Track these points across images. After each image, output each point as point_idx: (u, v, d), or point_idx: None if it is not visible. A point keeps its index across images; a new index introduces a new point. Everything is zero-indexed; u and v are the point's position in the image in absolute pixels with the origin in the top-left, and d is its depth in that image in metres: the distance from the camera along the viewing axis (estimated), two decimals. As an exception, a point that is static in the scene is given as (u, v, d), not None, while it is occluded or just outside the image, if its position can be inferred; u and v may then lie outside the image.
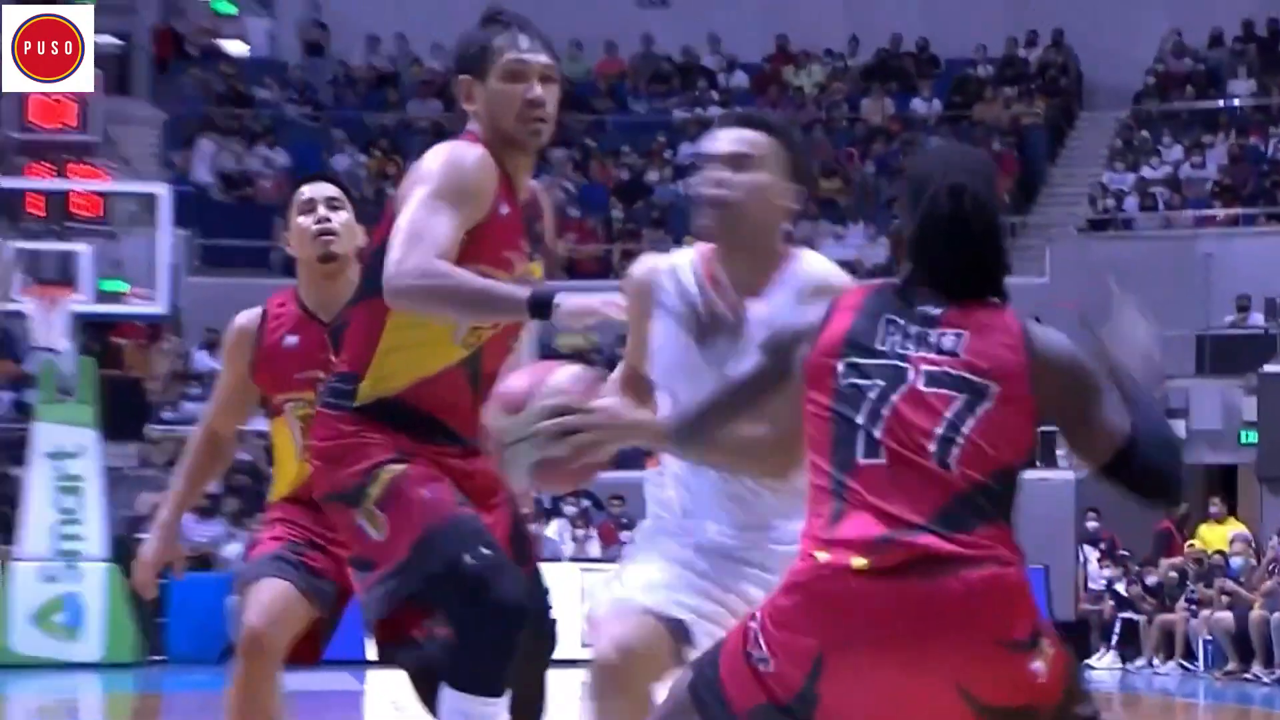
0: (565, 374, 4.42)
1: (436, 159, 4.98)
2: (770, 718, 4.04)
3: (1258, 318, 25.39)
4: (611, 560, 17.59)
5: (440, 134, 16.82)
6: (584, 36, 28.76)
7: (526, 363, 4.68)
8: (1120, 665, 21.20)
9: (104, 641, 19.61)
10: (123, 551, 18.24)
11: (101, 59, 26.19)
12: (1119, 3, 29.14)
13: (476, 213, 4.95)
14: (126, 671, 19.03)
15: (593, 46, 29.78)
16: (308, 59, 30.56)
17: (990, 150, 28.90)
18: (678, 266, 4.71)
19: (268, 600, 5.59)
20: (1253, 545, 21.24)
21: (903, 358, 4.07)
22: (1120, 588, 21.77)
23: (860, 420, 4.04)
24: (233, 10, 30.40)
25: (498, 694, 4.88)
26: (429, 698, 5.03)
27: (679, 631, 4.46)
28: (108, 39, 28.21)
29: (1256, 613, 19.51)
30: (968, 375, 4.05)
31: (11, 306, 21.10)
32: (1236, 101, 28.75)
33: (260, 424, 6.36)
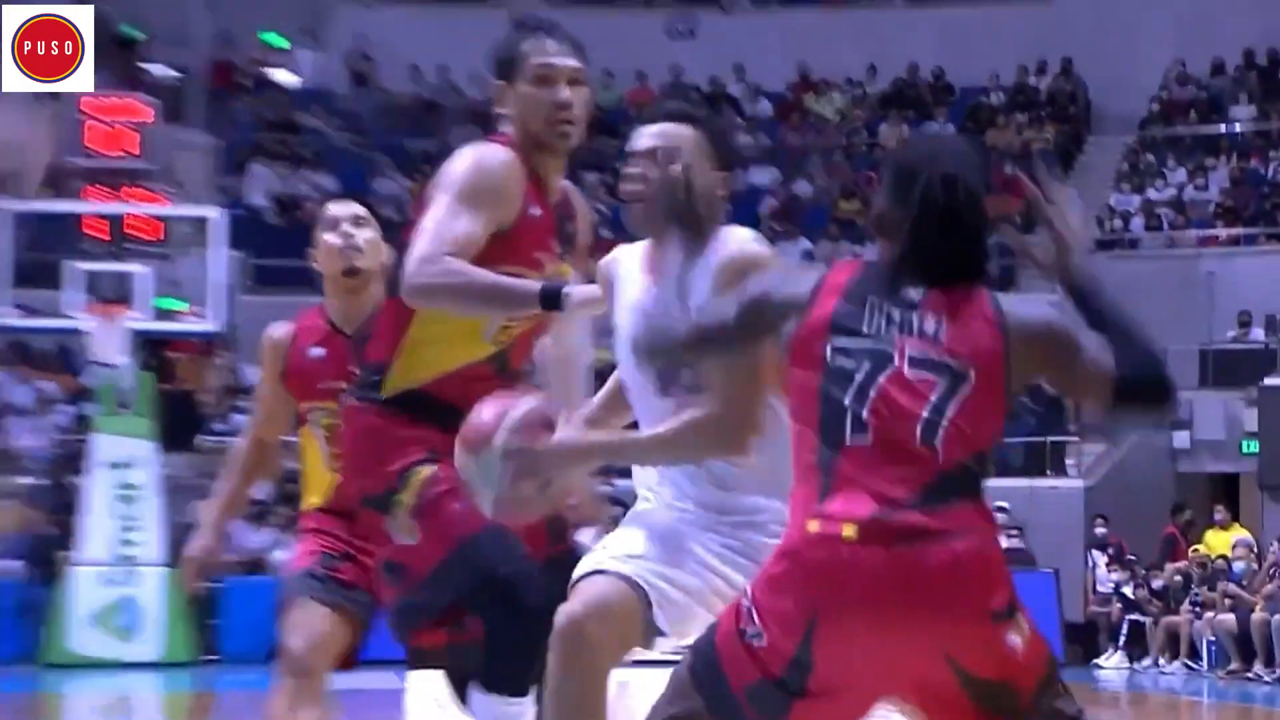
0: (520, 412, 4.42)
1: (462, 162, 4.92)
2: (766, 692, 4.00)
3: (1259, 333, 25.32)
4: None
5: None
6: (615, 66, 28.73)
7: (493, 397, 4.58)
8: (1128, 665, 21.12)
9: (161, 642, 19.61)
10: (179, 556, 18.25)
11: (158, 89, 26.33)
12: (1125, 33, 29.07)
13: (501, 214, 4.89)
14: (182, 671, 19.03)
15: (624, 76, 29.76)
16: (354, 89, 30.59)
17: (1002, 174, 28.86)
18: (632, 256, 4.64)
19: (309, 624, 5.58)
20: (1254, 550, 21.15)
21: (888, 341, 4.04)
22: (1127, 591, 21.69)
23: (848, 401, 4.01)
24: (284, 43, 30.44)
25: (524, 694, 4.85)
26: (464, 695, 5.00)
27: (648, 600, 4.35)
28: (165, 70, 28.32)
29: (1258, 615, 19.43)
30: (949, 361, 4.03)
31: (71, 324, 21.14)
32: (1238, 127, 28.67)
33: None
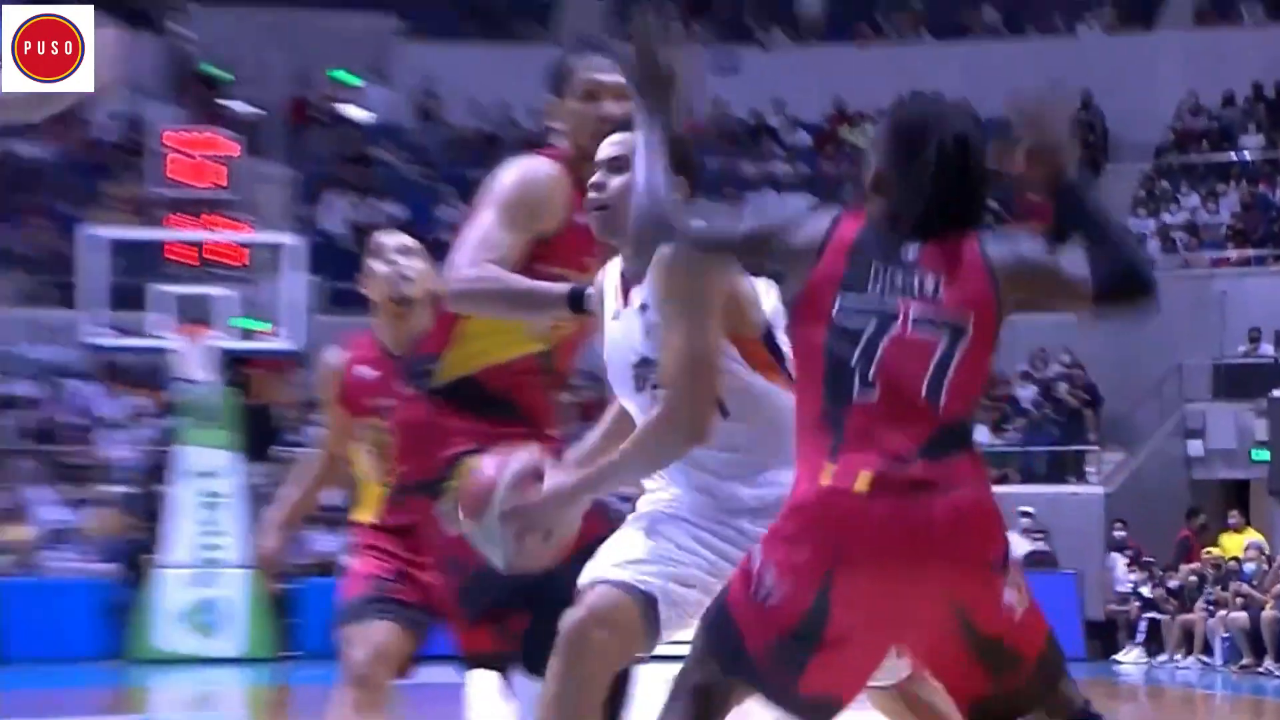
0: (511, 471, 4.30)
1: (507, 175, 4.92)
2: (782, 649, 3.91)
3: (1268, 348, 25.20)
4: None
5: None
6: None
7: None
8: (1146, 660, 21.03)
9: (242, 638, 19.70)
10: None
11: (240, 124, 26.45)
12: (1141, 66, 29.00)
13: (543, 224, 4.87)
14: (263, 666, 19.10)
15: (672, 110, 29.79)
16: (420, 123, 30.67)
17: (1025, 199, 28.81)
18: (614, 269, 4.56)
19: (369, 636, 5.55)
20: (1265, 552, 21.06)
21: (891, 302, 3.96)
22: (1145, 590, 21.61)
23: (854, 360, 3.93)
24: (355, 81, 30.55)
25: None
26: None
27: (651, 605, 4.23)
28: (246, 107, 28.46)
29: (1268, 613, 19.35)
30: (949, 318, 3.95)
31: (160, 343, 21.25)
32: (1247, 154, 28.54)
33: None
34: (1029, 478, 23.79)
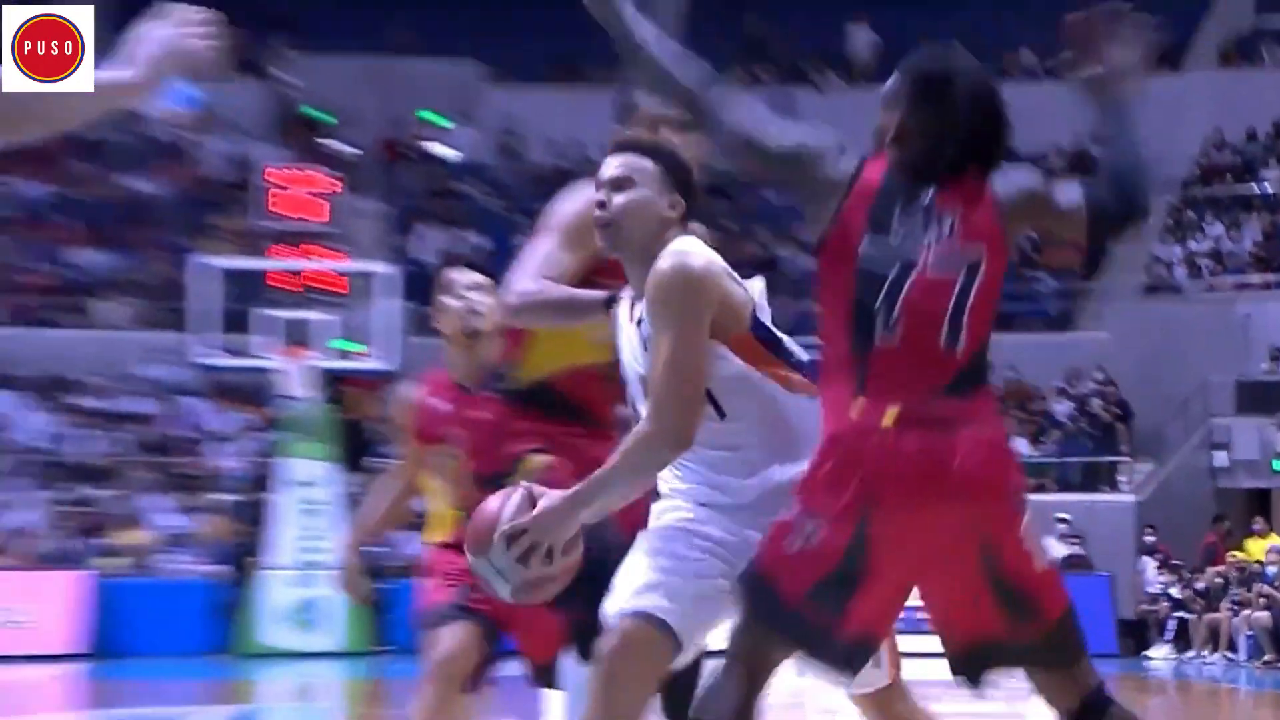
0: (512, 504, 4.14)
1: (566, 200, 4.86)
2: (825, 592, 3.80)
3: (1287, 367, 25.05)
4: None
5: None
6: (727, 139, 28.74)
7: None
8: (1174, 657, 20.84)
9: (339, 634, 19.72)
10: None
11: (338, 162, 26.55)
12: (1169, 105, 28.75)
13: (599, 243, 4.86)
14: (359, 660, 19.11)
15: (734, 147, 29.75)
16: (502, 160, 30.74)
17: (1053, 237, 28.63)
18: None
19: (451, 637, 5.52)
20: (1286, 557, 20.88)
21: (912, 244, 3.87)
22: (1174, 591, 21.42)
23: (878, 303, 3.84)
24: (444, 122, 30.65)
25: None
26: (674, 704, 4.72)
27: (666, 626, 4.10)
28: (344, 146, 28.57)
29: (1289, 613, 19.20)
30: (964, 254, 3.86)
31: (265, 364, 21.33)
32: (1268, 187, 28.32)
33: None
34: (1065, 487, 23.62)
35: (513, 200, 29.62)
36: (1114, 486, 24.06)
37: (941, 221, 3.88)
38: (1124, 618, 21.49)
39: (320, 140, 28.68)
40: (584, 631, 4.53)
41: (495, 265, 6.16)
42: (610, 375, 4.94)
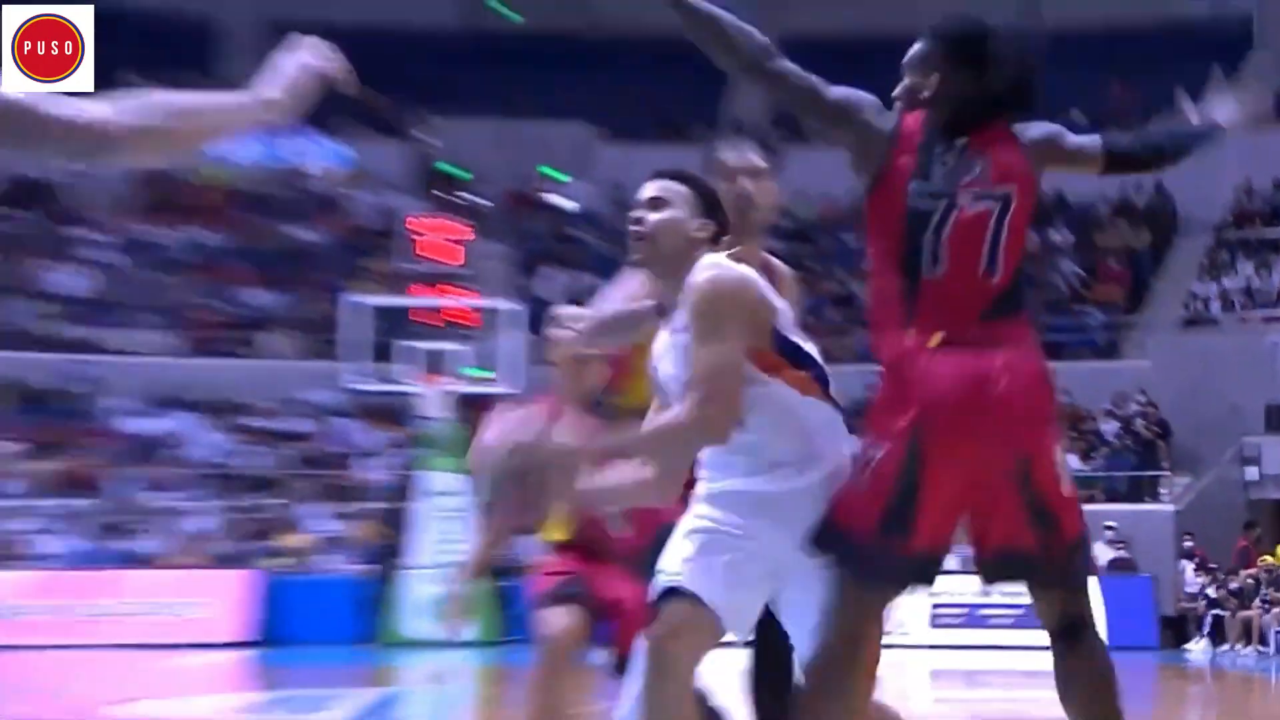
0: (521, 427, 4.07)
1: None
2: (891, 514, 3.71)
3: (1313, 391, 24.69)
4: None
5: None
6: (809, 189, 28.65)
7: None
8: (1211, 650, 20.57)
9: (474, 626, 19.78)
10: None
11: (472, 213, 26.72)
12: (1206, 158, 28.35)
13: None
14: (490, 648, 19.17)
15: (815, 196, 29.64)
16: (614, 210, 30.83)
17: (1108, 268, 28.37)
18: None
19: (562, 614, 5.53)
20: (1312, 561, 20.59)
21: (952, 186, 3.85)
22: (1210, 591, 21.15)
23: (924, 240, 3.82)
24: (563, 177, 30.80)
25: None
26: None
27: (711, 611, 3.96)
28: (478, 199, 28.75)
29: (1314, 611, 18.90)
30: (996, 190, 3.85)
31: (405, 388, 21.49)
32: (1294, 230, 28.02)
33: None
34: (1112, 498, 23.38)
35: (622, 246, 29.63)
36: (1155, 498, 23.77)
37: (975, 163, 3.87)
38: (1165, 615, 21.23)
39: (456, 193, 28.91)
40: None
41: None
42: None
